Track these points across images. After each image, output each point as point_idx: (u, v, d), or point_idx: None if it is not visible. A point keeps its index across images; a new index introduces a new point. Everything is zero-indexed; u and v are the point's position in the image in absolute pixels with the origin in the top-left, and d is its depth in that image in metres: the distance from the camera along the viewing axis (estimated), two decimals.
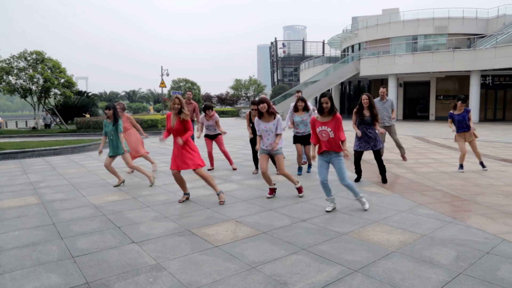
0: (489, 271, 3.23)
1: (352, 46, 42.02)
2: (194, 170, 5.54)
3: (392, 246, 3.85)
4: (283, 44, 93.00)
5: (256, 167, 8.18)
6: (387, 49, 34.45)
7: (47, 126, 27.40)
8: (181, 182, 5.78)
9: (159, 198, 6.01)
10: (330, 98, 4.95)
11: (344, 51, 45.11)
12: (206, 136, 8.66)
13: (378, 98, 9.30)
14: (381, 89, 9.24)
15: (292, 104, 7.97)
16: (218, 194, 5.68)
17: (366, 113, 6.78)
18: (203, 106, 8.45)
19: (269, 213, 5.09)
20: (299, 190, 5.99)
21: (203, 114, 8.45)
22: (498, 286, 2.97)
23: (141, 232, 4.40)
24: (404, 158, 9.39)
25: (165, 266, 3.44)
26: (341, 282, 3.09)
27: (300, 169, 7.93)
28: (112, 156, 7.04)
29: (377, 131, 6.79)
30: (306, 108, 7.59)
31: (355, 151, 7.01)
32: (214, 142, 8.67)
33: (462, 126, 7.92)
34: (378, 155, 6.87)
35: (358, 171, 7.10)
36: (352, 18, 50.45)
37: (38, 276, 3.28)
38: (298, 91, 8.61)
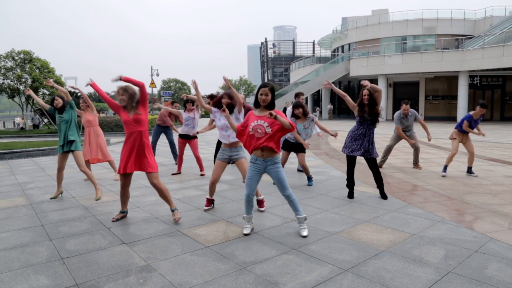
0: (478, 269, 3.27)
1: (342, 47, 42.29)
2: (149, 173, 4.64)
3: (382, 245, 3.87)
4: (273, 44, 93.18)
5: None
6: (376, 50, 34.74)
7: (35, 126, 27.12)
8: (126, 195, 4.91)
9: (149, 199, 5.98)
10: (272, 90, 4.16)
11: (334, 51, 45.36)
12: (181, 136, 8.10)
13: (399, 113, 8.28)
14: (404, 106, 8.12)
15: (289, 108, 7.39)
16: (172, 210, 4.83)
17: (367, 110, 5.70)
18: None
19: (260, 213, 5.09)
20: (261, 203, 5.33)
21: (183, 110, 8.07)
22: (486, 284, 3.00)
23: (131, 233, 4.37)
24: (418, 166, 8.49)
25: (155, 267, 3.43)
26: (332, 281, 3.10)
27: None
28: (65, 153, 6.12)
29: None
30: (305, 113, 6.71)
31: (347, 156, 5.93)
32: (188, 146, 8.14)
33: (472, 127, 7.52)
34: (373, 164, 5.80)
35: (350, 182, 5.94)
36: (342, 19, 50.76)
37: (27, 278, 3.24)
38: (299, 94, 8.01)
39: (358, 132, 5.79)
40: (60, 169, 6.16)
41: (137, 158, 4.62)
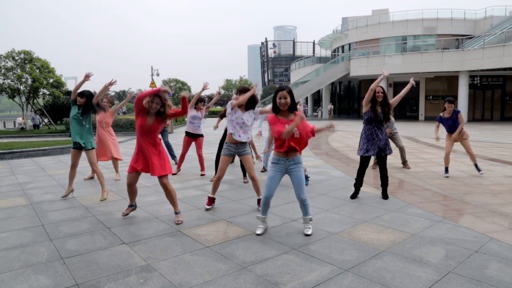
0: (478, 269, 3.27)
1: (342, 47, 42.28)
2: (160, 177, 4.66)
3: (382, 245, 3.87)
4: (274, 44, 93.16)
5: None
6: (377, 50, 34.72)
7: (35, 126, 27.12)
8: (133, 192, 4.91)
9: (149, 199, 5.98)
10: (290, 93, 4.07)
11: (334, 51, 45.36)
12: (188, 134, 8.05)
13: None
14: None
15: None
16: (176, 213, 4.82)
17: (379, 109, 5.62)
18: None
19: None
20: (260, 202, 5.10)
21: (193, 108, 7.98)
22: (486, 284, 3.00)
23: (131, 233, 4.38)
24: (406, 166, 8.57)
25: (155, 267, 3.43)
26: (332, 281, 3.10)
27: None
28: (79, 149, 6.07)
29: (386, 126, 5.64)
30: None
31: (361, 156, 5.81)
32: (193, 144, 8.16)
33: (453, 129, 7.49)
34: (384, 163, 5.78)
35: (359, 183, 5.86)
36: (342, 19, 50.74)
37: (27, 278, 3.24)
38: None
39: (369, 132, 5.71)
40: (74, 165, 6.13)
41: (155, 161, 4.63)
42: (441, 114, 7.58)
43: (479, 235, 4.11)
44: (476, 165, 7.53)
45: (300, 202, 4.24)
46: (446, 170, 7.52)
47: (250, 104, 5.24)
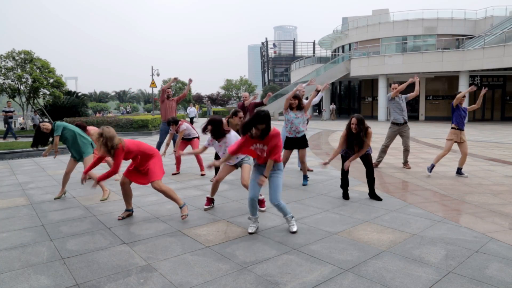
0: (478, 269, 3.27)
1: (343, 47, 42.24)
2: (151, 183, 4.82)
3: (382, 245, 3.87)
4: (274, 44, 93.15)
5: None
6: (377, 50, 34.67)
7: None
8: (127, 194, 5.01)
9: (149, 199, 5.98)
10: (266, 121, 4.05)
11: (334, 51, 45.32)
12: (182, 139, 8.15)
13: (389, 95, 8.74)
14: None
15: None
16: (181, 207, 4.90)
17: (356, 141, 5.49)
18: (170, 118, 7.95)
19: (260, 213, 5.09)
20: (261, 202, 5.25)
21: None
22: (486, 284, 3.00)
23: (131, 233, 4.38)
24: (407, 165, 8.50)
25: (156, 267, 3.43)
26: (332, 281, 3.10)
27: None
28: (77, 161, 6.35)
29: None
30: (299, 107, 6.75)
31: (341, 155, 5.81)
32: (189, 146, 8.28)
33: (463, 123, 7.36)
34: (366, 160, 5.72)
35: (345, 183, 5.85)
36: (343, 19, 50.75)
37: (27, 278, 3.24)
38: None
39: (349, 138, 5.58)
40: (68, 172, 6.25)
41: (140, 176, 4.96)
42: (459, 103, 7.37)
43: (479, 235, 4.11)
44: (460, 169, 7.47)
45: (274, 206, 4.34)
46: (432, 168, 7.49)
47: (218, 134, 5.36)
